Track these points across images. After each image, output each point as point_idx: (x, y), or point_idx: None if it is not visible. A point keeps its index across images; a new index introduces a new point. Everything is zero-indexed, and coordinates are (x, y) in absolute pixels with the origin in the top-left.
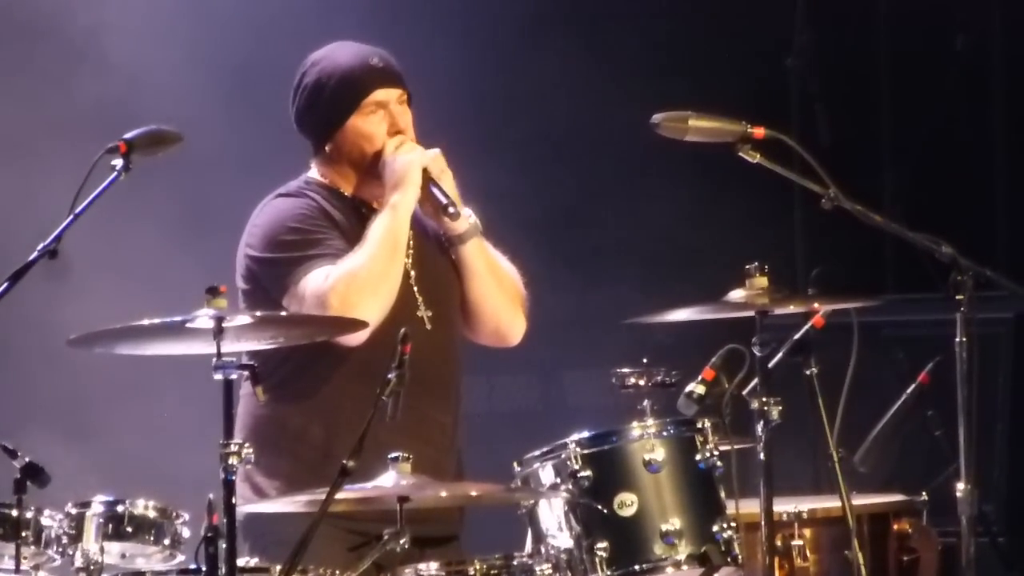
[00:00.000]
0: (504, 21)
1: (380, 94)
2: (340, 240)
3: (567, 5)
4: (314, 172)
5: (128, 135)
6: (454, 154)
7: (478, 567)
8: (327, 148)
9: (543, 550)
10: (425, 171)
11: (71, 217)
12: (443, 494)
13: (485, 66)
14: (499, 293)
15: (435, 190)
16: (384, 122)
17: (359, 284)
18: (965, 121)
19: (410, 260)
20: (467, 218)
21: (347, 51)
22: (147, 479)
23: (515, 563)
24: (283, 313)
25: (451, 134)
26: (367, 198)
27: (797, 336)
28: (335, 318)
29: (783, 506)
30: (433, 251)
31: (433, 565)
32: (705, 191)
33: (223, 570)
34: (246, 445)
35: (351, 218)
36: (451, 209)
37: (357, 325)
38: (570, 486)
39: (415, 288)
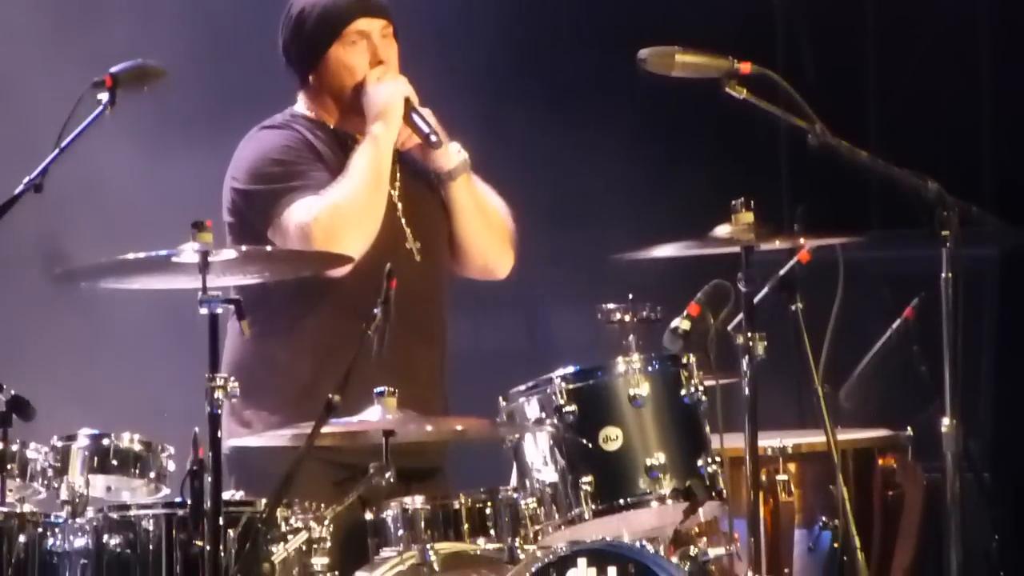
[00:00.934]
0: None
1: (362, 23)
2: (324, 172)
3: None
4: (300, 105)
5: (114, 69)
6: (445, 88)
7: (463, 501)
8: (310, 79)
9: (528, 484)
10: (407, 101)
11: (56, 151)
12: (428, 428)
13: (474, 17)
14: (488, 229)
15: (417, 120)
16: (366, 53)
17: (342, 216)
18: (950, 58)
19: (397, 192)
20: (456, 153)
21: None
22: (133, 413)
23: (500, 497)
24: (268, 248)
25: (443, 69)
26: (351, 130)
27: (782, 272)
28: (320, 252)
29: (767, 441)
30: (421, 183)
31: (418, 499)
32: (690, 128)
33: (208, 504)
34: (231, 379)
35: (335, 150)
36: (433, 138)
37: (342, 259)
38: (555, 421)
39: (403, 220)
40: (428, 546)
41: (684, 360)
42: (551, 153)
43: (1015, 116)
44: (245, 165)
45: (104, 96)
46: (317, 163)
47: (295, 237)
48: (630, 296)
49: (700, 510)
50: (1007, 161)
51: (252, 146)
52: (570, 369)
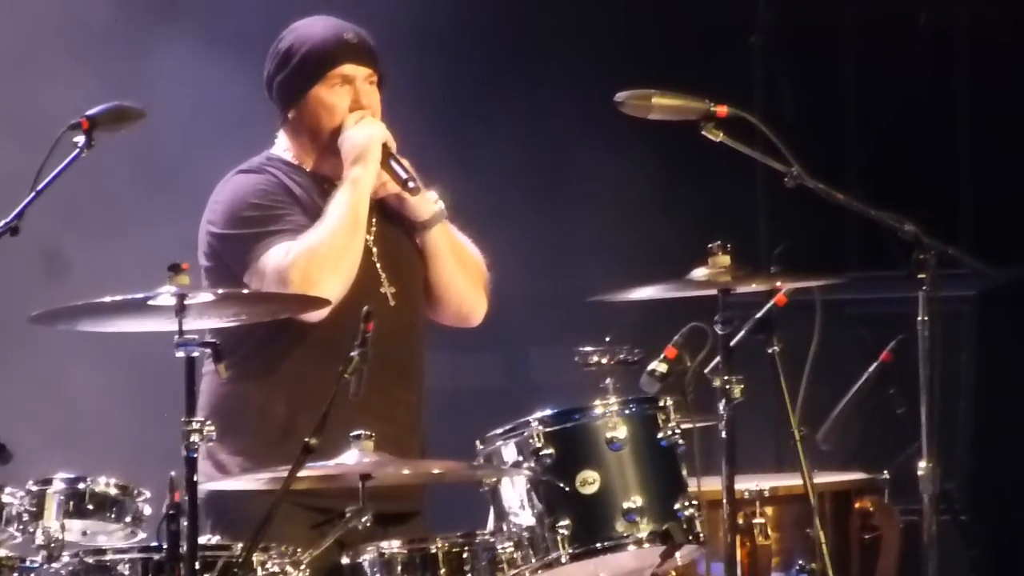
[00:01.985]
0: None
1: (348, 68)
2: (301, 216)
3: None
4: (277, 147)
5: (91, 112)
6: (423, 133)
7: (440, 545)
8: (290, 115)
9: (505, 528)
10: (385, 146)
11: (33, 194)
12: (405, 471)
13: (452, 43)
14: (463, 277)
15: (395, 165)
16: (348, 97)
17: (319, 260)
18: (929, 99)
19: (372, 237)
20: (433, 203)
21: (324, 23)
22: (110, 455)
23: (477, 541)
24: (245, 291)
25: (422, 114)
26: (328, 173)
27: (760, 314)
28: (297, 295)
29: (745, 484)
30: (397, 228)
31: (395, 543)
32: (668, 169)
33: (184, 548)
34: (208, 422)
35: (312, 193)
36: (411, 184)
37: (319, 302)
38: (532, 464)
39: (378, 265)
40: None
41: (661, 403)
42: (528, 195)
43: (993, 157)
44: (222, 209)
45: (81, 139)
46: (294, 207)
47: (272, 281)
48: (607, 338)
49: (677, 553)
50: (984, 202)
51: (229, 190)
52: (547, 412)
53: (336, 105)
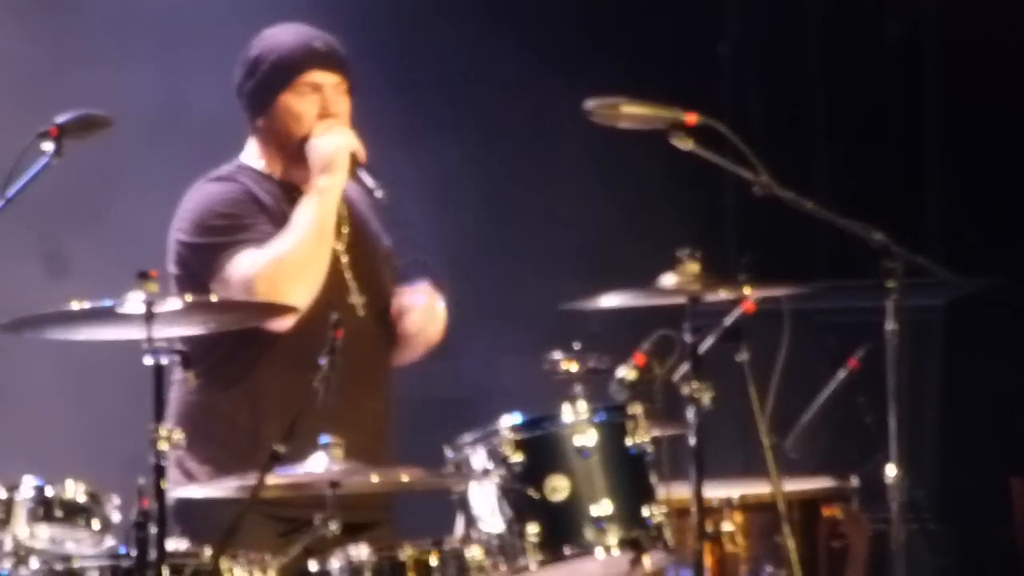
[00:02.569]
0: (439, 7)
1: (316, 75)
2: (269, 225)
3: None
4: (246, 155)
5: (59, 119)
6: (390, 143)
7: (409, 552)
8: (259, 122)
9: (474, 535)
10: (353, 156)
11: (2, 202)
12: (374, 479)
13: (418, 52)
14: (422, 348)
15: (363, 174)
16: (316, 105)
17: (285, 269)
18: (896, 109)
19: (343, 246)
20: (441, 312)
21: (294, 31)
22: (77, 462)
23: (446, 548)
24: (213, 298)
25: (386, 122)
26: (297, 182)
27: (728, 322)
28: (265, 303)
29: (714, 491)
30: (368, 238)
31: (364, 549)
32: (636, 177)
33: (153, 554)
34: (176, 430)
35: (281, 202)
36: (378, 194)
37: (286, 310)
38: (502, 471)
39: (347, 275)
40: None
41: (630, 410)
42: (497, 203)
43: (961, 167)
44: (190, 217)
45: (49, 146)
46: (261, 215)
47: (239, 290)
48: (576, 346)
49: (646, 560)
50: (953, 212)
51: (197, 198)
52: (517, 419)
53: (304, 113)
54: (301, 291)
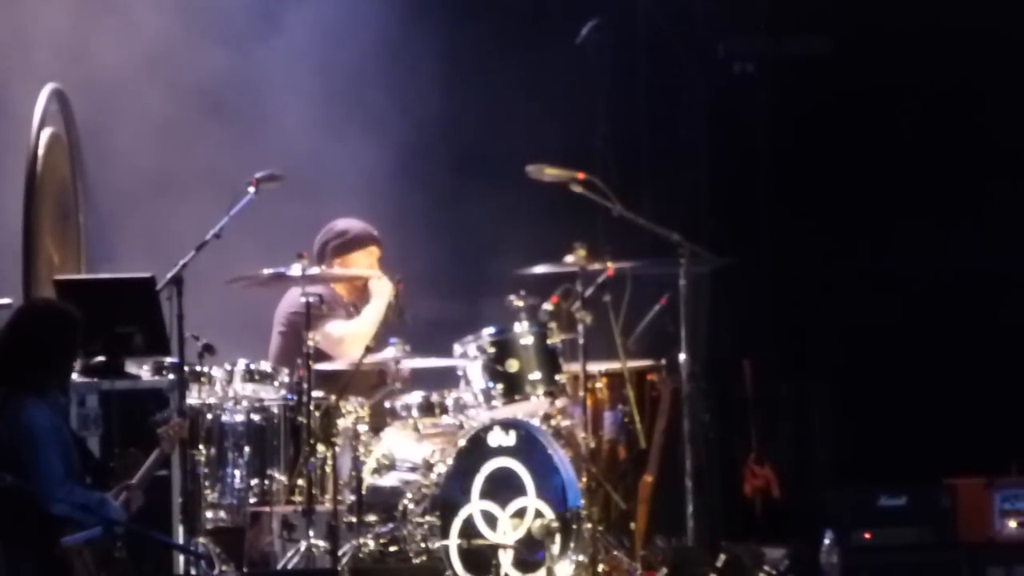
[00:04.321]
0: (383, 43)
1: (372, 247)
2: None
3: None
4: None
5: (258, 174)
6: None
7: (440, 396)
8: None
9: (470, 389)
10: (392, 291)
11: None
12: (417, 361)
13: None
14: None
15: (396, 300)
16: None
17: (353, 335)
18: (682, 164)
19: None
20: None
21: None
22: (258, 352)
23: (453, 395)
24: (320, 271)
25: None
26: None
27: (600, 280)
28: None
29: (592, 366)
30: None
31: (417, 393)
32: (550, 207)
33: (304, 398)
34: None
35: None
36: (405, 315)
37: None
38: (484, 356)
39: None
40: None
41: (550, 324)
42: (437, 203)
43: (724, 191)
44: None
45: (252, 190)
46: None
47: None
48: (522, 293)
49: (558, 402)
50: (718, 223)
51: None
52: (492, 329)
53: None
54: (359, 348)
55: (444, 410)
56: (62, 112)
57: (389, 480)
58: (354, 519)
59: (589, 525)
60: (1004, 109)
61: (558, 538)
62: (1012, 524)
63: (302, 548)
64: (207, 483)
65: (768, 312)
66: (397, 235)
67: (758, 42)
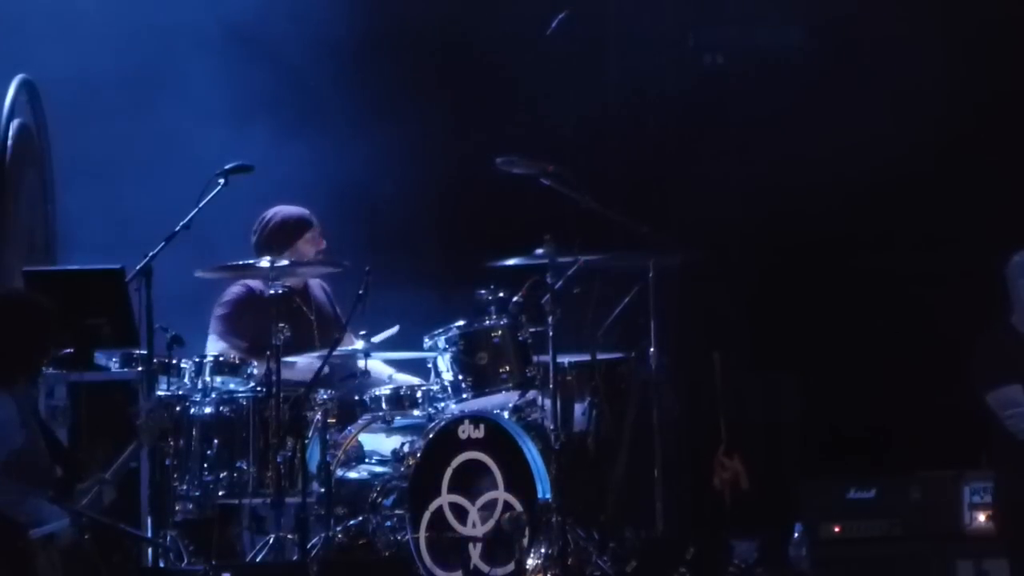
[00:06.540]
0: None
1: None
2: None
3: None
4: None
5: (227, 167)
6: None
7: (424, 389)
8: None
9: (439, 381)
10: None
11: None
12: (389, 355)
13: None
14: None
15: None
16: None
17: None
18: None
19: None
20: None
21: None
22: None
23: (424, 388)
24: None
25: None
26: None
27: (569, 272)
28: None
29: (563, 358)
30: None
31: (404, 377)
32: (531, 201)
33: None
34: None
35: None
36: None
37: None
38: (453, 349)
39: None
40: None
41: (520, 318)
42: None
43: (693, 183)
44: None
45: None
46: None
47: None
48: (492, 286)
49: (528, 393)
50: (687, 214)
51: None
52: (462, 322)
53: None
54: None
55: (414, 403)
56: (30, 103)
57: (358, 472)
58: (323, 511)
59: (558, 518)
60: (967, 101)
61: (527, 531)
62: (981, 517)
63: (271, 540)
64: (176, 475)
65: (738, 304)
66: (366, 228)
67: (728, 33)
